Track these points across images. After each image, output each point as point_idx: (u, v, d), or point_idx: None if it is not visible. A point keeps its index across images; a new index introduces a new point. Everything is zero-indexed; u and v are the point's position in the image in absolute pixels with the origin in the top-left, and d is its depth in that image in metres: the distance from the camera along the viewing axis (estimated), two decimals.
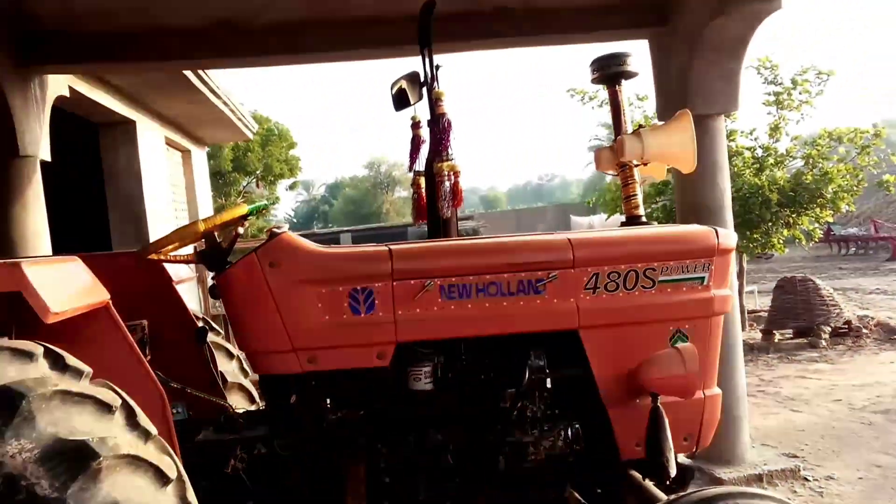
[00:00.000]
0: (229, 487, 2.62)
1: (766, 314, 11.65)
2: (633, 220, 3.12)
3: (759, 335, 11.28)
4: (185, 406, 2.90)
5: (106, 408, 1.95)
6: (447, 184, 3.18)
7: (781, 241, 11.14)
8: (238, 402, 3.41)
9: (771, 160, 10.84)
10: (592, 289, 2.69)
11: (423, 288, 2.59)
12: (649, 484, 2.74)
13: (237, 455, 2.63)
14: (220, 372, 3.29)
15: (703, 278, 2.77)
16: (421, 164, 3.30)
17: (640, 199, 3.16)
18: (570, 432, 2.71)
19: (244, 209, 2.71)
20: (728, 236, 2.85)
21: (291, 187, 33.33)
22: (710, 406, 2.80)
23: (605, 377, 2.71)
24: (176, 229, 2.62)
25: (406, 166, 3.43)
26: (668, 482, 2.61)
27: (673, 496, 2.40)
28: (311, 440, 2.71)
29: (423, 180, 3.29)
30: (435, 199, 3.14)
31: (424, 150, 3.19)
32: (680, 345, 2.67)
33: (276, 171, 27.63)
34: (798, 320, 10.87)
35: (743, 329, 12.37)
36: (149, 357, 3.21)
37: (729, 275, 2.87)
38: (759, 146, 10.95)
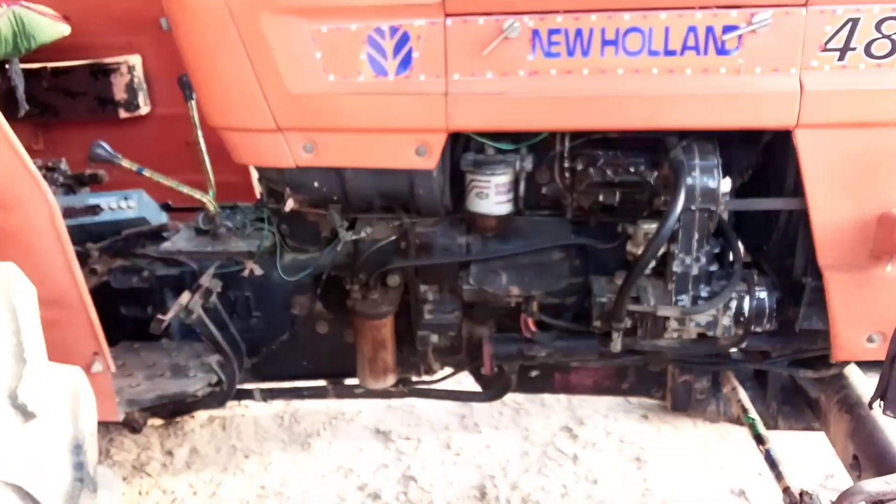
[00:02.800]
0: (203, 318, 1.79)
1: None
2: None
3: None
4: (145, 195, 2.02)
5: None
6: None
7: None
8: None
9: None
10: (838, 51, 1.37)
11: (500, 33, 1.40)
12: (880, 411, 1.58)
13: (208, 278, 1.76)
14: None
15: None
16: None
17: None
18: (746, 304, 1.58)
19: None
20: None
21: None
22: None
23: (829, 218, 1.49)
24: None
25: None
26: None
27: None
28: (317, 269, 1.78)
29: None
30: None
31: None
32: None
33: None
34: None
35: None
36: (144, 110, 2.35)
37: None
38: None
